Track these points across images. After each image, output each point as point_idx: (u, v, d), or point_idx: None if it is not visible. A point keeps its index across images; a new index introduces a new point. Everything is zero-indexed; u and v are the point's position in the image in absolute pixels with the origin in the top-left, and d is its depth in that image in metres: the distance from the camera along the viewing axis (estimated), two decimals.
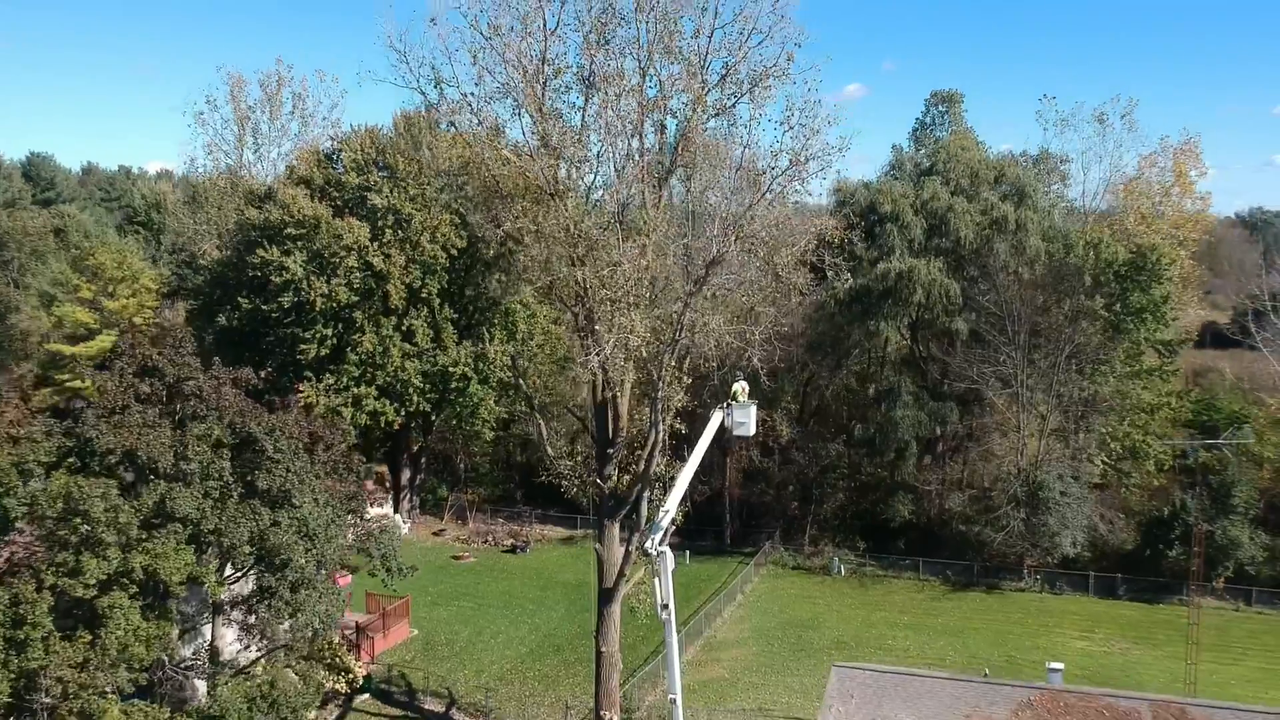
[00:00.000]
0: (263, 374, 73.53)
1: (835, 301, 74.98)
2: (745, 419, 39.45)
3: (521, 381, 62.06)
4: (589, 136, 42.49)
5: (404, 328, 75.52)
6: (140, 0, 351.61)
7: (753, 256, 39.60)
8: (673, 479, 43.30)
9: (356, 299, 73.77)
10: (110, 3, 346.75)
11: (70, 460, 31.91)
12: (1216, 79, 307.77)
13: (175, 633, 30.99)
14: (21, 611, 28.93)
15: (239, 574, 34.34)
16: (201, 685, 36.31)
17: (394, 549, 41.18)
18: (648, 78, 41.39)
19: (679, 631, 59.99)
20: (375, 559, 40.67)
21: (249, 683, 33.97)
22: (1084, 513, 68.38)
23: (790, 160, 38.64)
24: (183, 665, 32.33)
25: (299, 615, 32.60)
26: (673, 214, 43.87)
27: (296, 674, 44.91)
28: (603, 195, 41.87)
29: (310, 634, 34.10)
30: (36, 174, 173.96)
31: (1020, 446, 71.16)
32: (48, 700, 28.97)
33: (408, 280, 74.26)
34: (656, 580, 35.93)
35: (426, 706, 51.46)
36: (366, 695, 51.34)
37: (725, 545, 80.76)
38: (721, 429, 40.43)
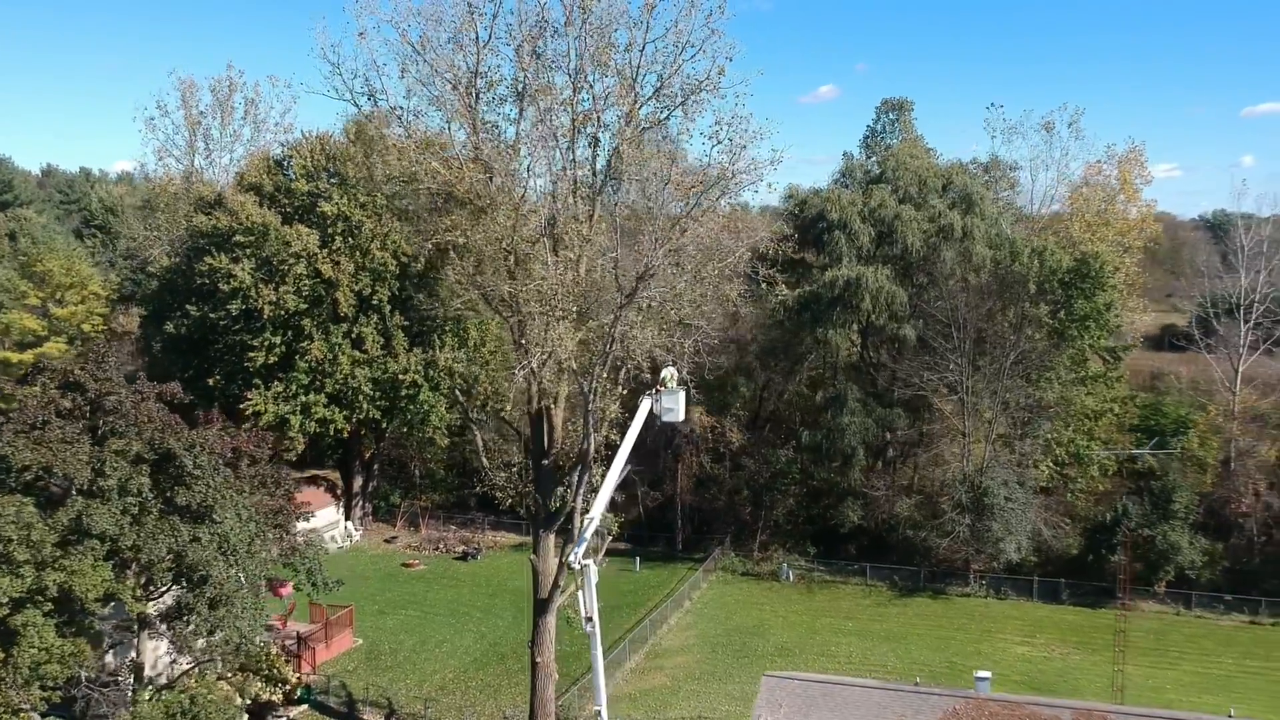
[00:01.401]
0: (211, 381, 74.47)
1: (785, 309, 75.41)
2: (674, 405, 38.75)
3: (457, 392, 61.97)
4: (521, 149, 42.76)
5: (354, 335, 75.29)
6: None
7: (681, 270, 39.74)
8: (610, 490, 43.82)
9: (305, 306, 73.52)
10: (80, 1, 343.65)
11: None
12: (1186, 80, 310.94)
13: (90, 651, 30.73)
14: None
15: (162, 590, 34.18)
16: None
17: (319, 563, 41.08)
18: (580, 91, 41.62)
19: (622, 639, 60.61)
20: (300, 573, 40.58)
21: (170, 697, 33.88)
22: (1028, 518, 69.08)
23: (718, 174, 39.06)
24: (101, 682, 32.17)
25: (217, 631, 32.51)
26: (606, 226, 44.02)
27: (232, 687, 44.96)
28: (535, 208, 41.93)
29: (233, 648, 33.89)
30: None
31: (966, 452, 71.80)
32: None
33: (357, 288, 74.09)
34: (580, 593, 36.04)
35: (364, 717, 51.39)
36: (304, 706, 51.22)
37: (676, 551, 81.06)
38: (651, 417, 40.13)
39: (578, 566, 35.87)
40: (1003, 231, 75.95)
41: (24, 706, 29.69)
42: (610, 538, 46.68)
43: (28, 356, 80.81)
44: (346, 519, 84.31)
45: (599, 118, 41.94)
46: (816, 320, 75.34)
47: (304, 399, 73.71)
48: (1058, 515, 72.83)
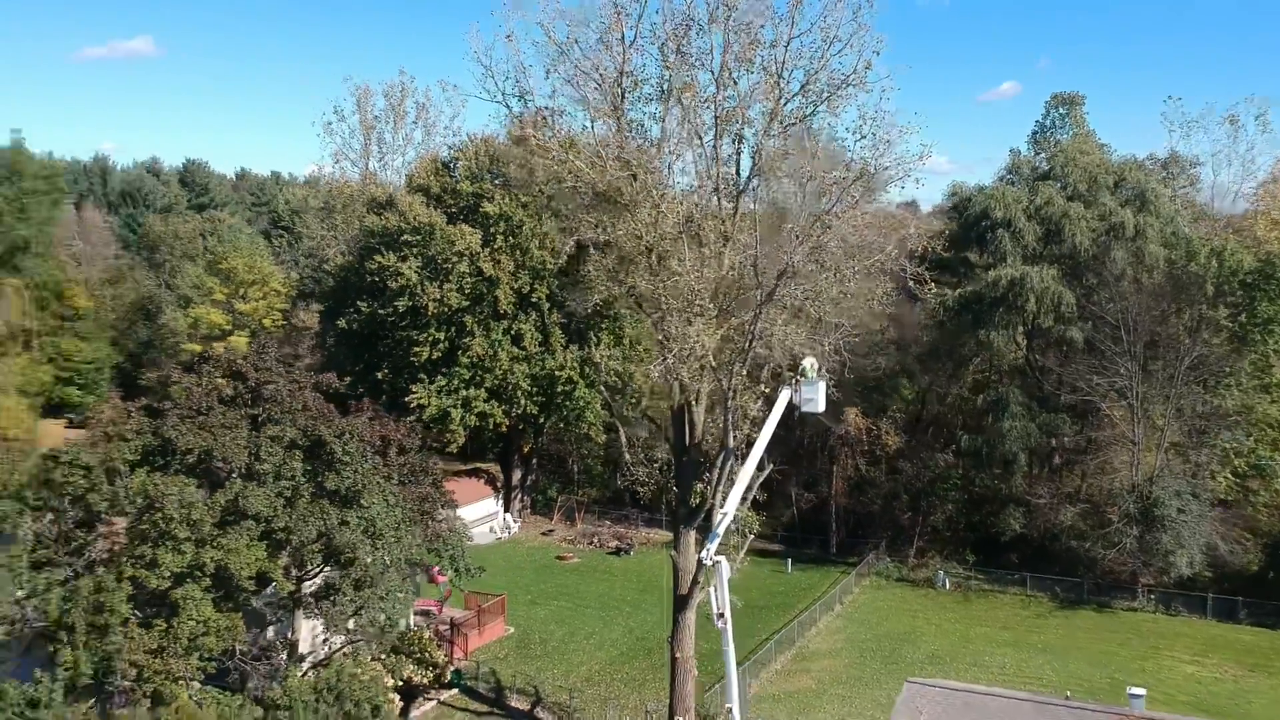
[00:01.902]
0: (379, 375, 77.59)
1: (945, 309, 73.71)
2: (814, 395, 38.58)
3: (602, 387, 62.80)
4: (665, 147, 43.13)
5: (513, 332, 77.26)
6: (318, 7, 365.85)
7: (821, 268, 39.35)
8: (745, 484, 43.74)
9: (467, 303, 75.87)
10: (284, 11, 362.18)
11: (154, 459, 34.03)
12: None
13: (242, 626, 32.53)
14: (103, 599, 30.99)
15: (312, 571, 35.90)
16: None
17: (462, 549, 42.34)
18: (724, 89, 41.68)
19: (768, 639, 60.30)
20: (444, 559, 41.94)
21: (327, 673, 35.56)
22: (1202, 531, 65.51)
23: (859, 170, 38.56)
24: (253, 656, 34.03)
25: (362, 612, 33.94)
26: (749, 223, 43.96)
27: (384, 667, 46.82)
28: (676, 205, 42.16)
29: (379, 629, 35.33)
30: (192, 180, 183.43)
31: (1136, 461, 68.59)
32: (124, 683, 30.91)
33: (517, 285, 76.03)
34: (712, 589, 36.15)
35: (512, 703, 52.60)
36: (455, 690, 52.77)
37: (830, 554, 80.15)
38: (789, 410, 39.92)
39: (709, 562, 36.04)
40: (1179, 230, 72.17)
41: (183, 675, 31.52)
42: (751, 536, 46.69)
43: (214, 349, 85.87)
44: (506, 511, 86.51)
45: (743, 115, 42.08)
46: (978, 321, 73.31)
47: (465, 393, 76.06)
48: (1237, 529, 68.84)
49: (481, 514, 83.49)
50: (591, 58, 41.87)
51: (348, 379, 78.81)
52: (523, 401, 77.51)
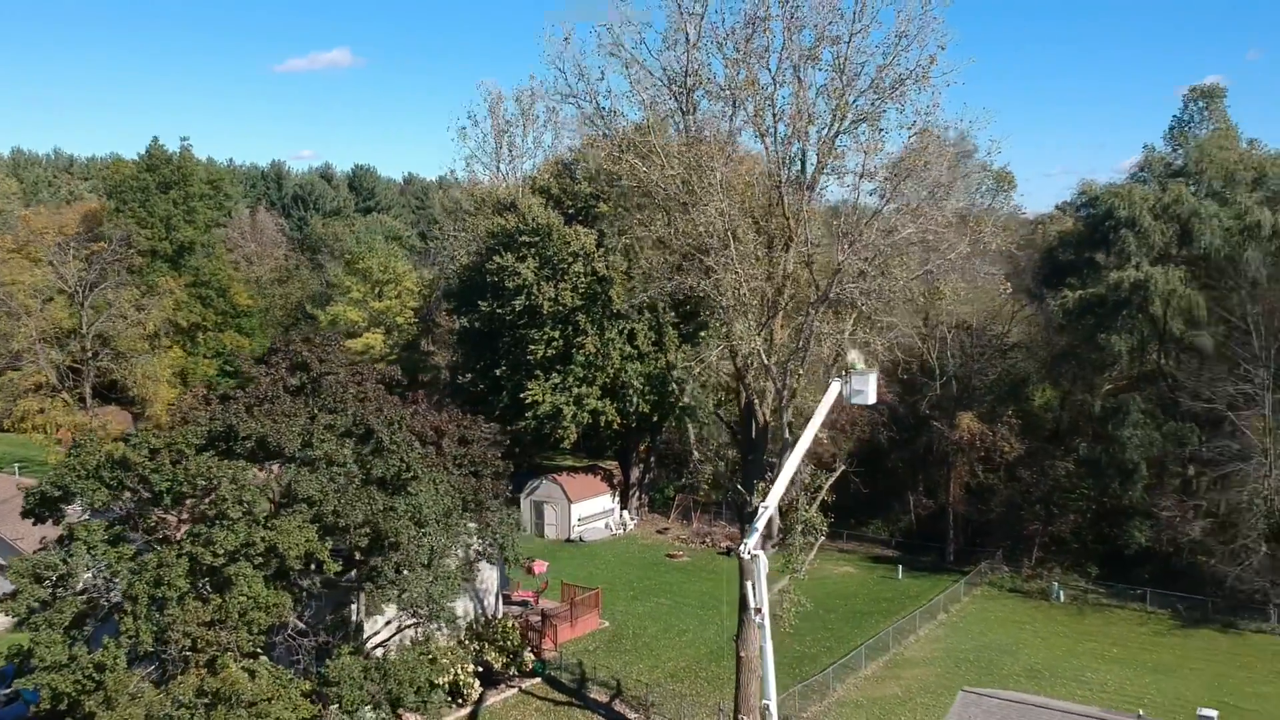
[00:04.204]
0: (498, 371, 79.94)
1: (1065, 312, 71.10)
2: (864, 387, 38.28)
3: (674, 386, 63.12)
4: (729, 146, 43.31)
5: (626, 330, 78.31)
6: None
7: (871, 266, 38.92)
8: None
9: (582, 303, 77.31)
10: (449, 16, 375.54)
11: (218, 444, 36.36)
12: None
13: (290, 603, 34.38)
14: (162, 573, 33.36)
15: (360, 555, 37.63)
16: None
17: (512, 539, 43.49)
18: (782, 87, 41.60)
19: (860, 645, 59.51)
20: (494, 547, 43.18)
21: (395, 655, 37.40)
22: None
23: (909, 165, 38.02)
24: (300, 632, 35.94)
25: (404, 595, 35.44)
26: (816, 222, 43.71)
27: (464, 651, 48.50)
28: (738, 203, 42.29)
29: (428, 613, 36.77)
30: (360, 184, 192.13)
31: (1269, 474, 64.64)
32: (178, 652, 33.20)
33: (630, 285, 77.05)
34: (749, 584, 36.18)
35: (592, 695, 53.53)
36: (537, 679, 54.10)
37: (947, 562, 78.32)
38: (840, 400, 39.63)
39: (746, 556, 36.09)
40: None
41: (233, 646, 33.58)
42: (821, 538, 46.27)
43: (352, 344, 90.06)
44: (623, 508, 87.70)
45: (808, 113, 41.88)
46: (1099, 325, 70.39)
47: (577, 391, 77.53)
48: None
49: (597, 510, 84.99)
50: (657, 57, 42.58)
51: (468, 375, 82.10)
52: (635, 400, 78.48)
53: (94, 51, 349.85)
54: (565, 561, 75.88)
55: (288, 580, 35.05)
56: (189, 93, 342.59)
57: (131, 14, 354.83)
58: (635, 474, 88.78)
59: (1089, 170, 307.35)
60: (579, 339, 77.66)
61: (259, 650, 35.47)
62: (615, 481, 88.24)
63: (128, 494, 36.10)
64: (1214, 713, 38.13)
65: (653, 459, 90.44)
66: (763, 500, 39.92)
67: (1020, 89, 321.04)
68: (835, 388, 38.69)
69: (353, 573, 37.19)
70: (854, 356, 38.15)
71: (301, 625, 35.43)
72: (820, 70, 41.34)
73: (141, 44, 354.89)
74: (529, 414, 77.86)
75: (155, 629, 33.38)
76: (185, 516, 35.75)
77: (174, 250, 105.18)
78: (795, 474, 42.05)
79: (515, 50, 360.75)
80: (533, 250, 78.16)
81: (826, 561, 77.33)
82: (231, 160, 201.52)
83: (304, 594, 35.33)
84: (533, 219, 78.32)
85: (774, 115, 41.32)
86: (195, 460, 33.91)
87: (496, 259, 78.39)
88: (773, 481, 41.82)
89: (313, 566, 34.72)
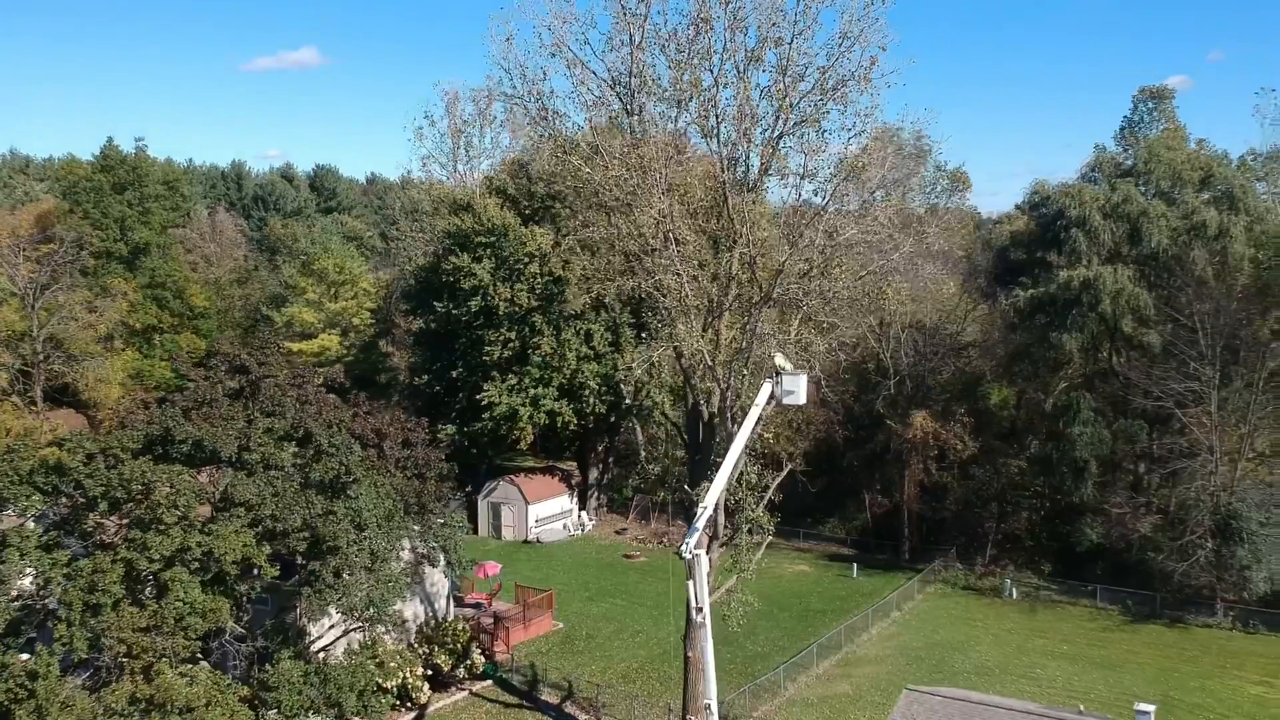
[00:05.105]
0: (454, 373, 79.69)
1: (1016, 311, 71.70)
2: (795, 388, 38.27)
3: (622, 385, 63.17)
4: (685, 142, 43.42)
5: (583, 331, 78.23)
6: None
7: (810, 267, 39.12)
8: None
9: (538, 303, 77.16)
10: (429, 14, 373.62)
11: (155, 448, 36.00)
12: None
13: (228, 608, 34.10)
14: (96, 579, 33.02)
15: (301, 558, 37.41)
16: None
17: (454, 542, 43.37)
18: (726, 87, 41.72)
19: (812, 644, 59.72)
20: (436, 551, 43.01)
21: (344, 660, 37.16)
22: None
23: (848, 166, 38.24)
24: (238, 637, 35.67)
25: (344, 599, 35.23)
26: (760, 222, 43.82)
27: (413, 655, 48.25)
28: (679, 203, 42.35)
29: (368, 617, 36.58)
30: (321, 184, 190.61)
31: (1212, 471, 65.41)
32: (113, 659, 32.87)
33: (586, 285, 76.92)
34: (690, 583, 36.27)
35: (543, 697, 53.46)
36: (488, 681, 53.94)
37: (902, 560, 78.74)
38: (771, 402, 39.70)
39: (688, 556, 36.16)
40: (1272, 230, 68.48)
41: (169, 653, 33.28)
42: (768, 537, 46.43)
43: (304, 346, 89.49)
44: (581, 509, 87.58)
45: (752, 114, 42.00)
46: (1051, 323, 71.05)
47: (534, 392, 77.37)
48: None
49: (555, 511, 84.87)
50: (600, 59, 42.61)
51: (425, 377, 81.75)
52: (592, 401, 78.41)
53: (56, 49, 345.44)
54: (522, 563, 75.75)
55: (225, 585, 34.74)
56: (157, 92, 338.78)
57: (99, 13, 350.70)
58: (594, 474, 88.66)
59: (1054, 170, 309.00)
60: (535, 340, 77.53)
61: (197, 656, 35.20)
62: (574, 482, 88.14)
63: (63, 499, 35.65)
64: (1151, 707, 38.60)
65: (611, 459, 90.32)
66: (702, 500, 40.18)
67: (986, 89, 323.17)
68: (766, 389, 38.84)
69: (295, 577, 36.89)
70: (780, 359, 38.28)
71: (240, 630, 35.12)
72: (764, 71, 41.67)
73: (109, 43, 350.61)
74: (486, 415, 77.65)
75: (90, 635, 33.03)
76: (123, 521, 35.34)
77: (129, 251, 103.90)
78: (741, 474, 42.34)
79: (484, 50, 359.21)
80: (488, 251, 77.97)
81: (782, 560, 77.67)
82: (191, 160, 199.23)
83: (243, 599, 35.01)
84: (488, 219, 78.13)
85: (717, 116, 41.47)
86: (131, 465, 33.59)
87: (453, 259, 78.15)
88: (715, 484, 42.12)
89: (254, 571, 34.39)
